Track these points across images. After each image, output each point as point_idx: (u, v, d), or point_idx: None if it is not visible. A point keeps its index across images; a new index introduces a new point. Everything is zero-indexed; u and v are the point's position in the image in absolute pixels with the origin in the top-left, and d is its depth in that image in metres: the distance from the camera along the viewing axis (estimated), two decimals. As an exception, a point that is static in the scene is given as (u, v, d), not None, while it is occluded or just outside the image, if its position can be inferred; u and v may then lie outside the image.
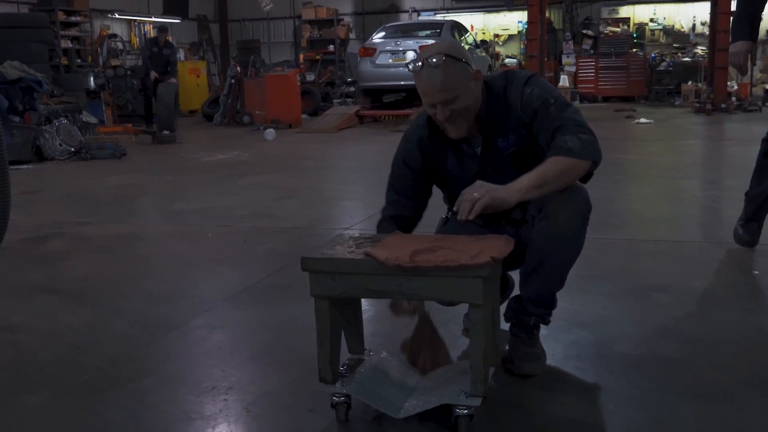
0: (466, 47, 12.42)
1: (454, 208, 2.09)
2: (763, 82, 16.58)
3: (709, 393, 2.20)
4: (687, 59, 17.55)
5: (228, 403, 2.22)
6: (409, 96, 12.93)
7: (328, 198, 6.16)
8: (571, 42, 18.32)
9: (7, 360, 2.66)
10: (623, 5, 19.20)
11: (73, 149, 9.12)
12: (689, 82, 16.17)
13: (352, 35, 21.49)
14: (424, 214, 2.48)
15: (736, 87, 14.79)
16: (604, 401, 2.16)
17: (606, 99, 17.40)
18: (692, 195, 5.75)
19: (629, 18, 19.22)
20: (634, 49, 18.35)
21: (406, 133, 2.44)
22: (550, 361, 2.41)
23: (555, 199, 2.13)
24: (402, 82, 12.72)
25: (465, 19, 19.25)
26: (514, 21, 20.28)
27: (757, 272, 3.41)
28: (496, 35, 20.54)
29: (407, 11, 21.13)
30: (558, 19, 19.40)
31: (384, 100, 13.94)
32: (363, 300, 2.35)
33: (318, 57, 19.77)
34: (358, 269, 1.95)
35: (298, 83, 13.78)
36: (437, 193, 2.50)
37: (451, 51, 2.20)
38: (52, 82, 11.20)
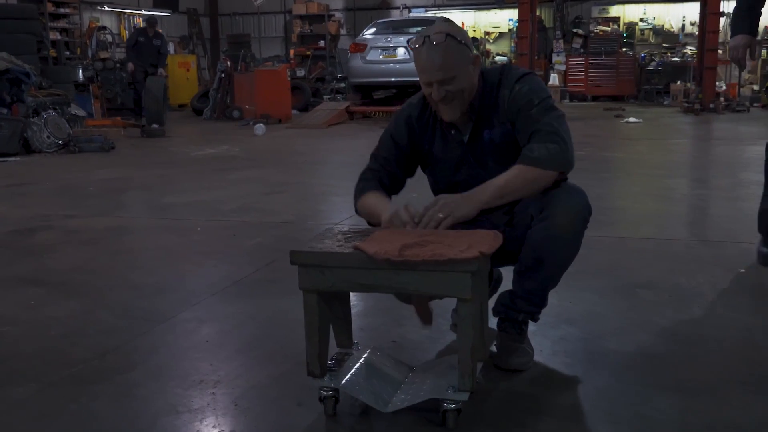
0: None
1: (416, 219, 2.11)
2: (751, 83, 16.69)
3: (693, 388, 2.22)
4: (676, 59, 17.65)
5: (216, 397, 2.22)
6: (399, 92, 12.93)
7: (318, 193, 6.16)
8: (561, 41, 18.38)
9: (-6, 352, 2.65)
10: (613, 5, 19.28)
11: (61, 142, 9.07)
12: (678, 82, 16.27)
13: (343, 31, 21.46)
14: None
15: (724, 87, 14.90)
16: (591, 396, 2.17)
17: (595, 98, 17.47)
18: (680, 193, 5.79)
19: (619, 17, 19.30)
20: (624, 49, 18.44)
21: (398, 110, 2.47)
22: (537, 357, 2.42)
23: (558, 201, 2.15)
24: (392, 79, 12.74)
25: (456, 16, 19.29)
26: (504, 19, 20.32)
27: (742, 270, 3.44)
28: (487, 33, 20.57)
29: (398, 8, 21.12)
30: (548, 18, 19.45)
31: (374, 97, 13.95)
32: (352, 294, 2.35)
33: (308, 52, 19.74)
34: (347, 263, 1.95)
35: (289, 78, 13.76)
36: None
37: (453, 32, 2.21)
38: (41, 74, 11.12)
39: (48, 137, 9.01)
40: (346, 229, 2.24)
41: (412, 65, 11.02)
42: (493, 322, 2.44)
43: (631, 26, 19.39)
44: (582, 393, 2.20)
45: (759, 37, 16.74)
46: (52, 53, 14.70)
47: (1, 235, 4.36)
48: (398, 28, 13.88)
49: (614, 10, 19.33)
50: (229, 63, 13.84)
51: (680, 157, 8.44)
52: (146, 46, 12.94)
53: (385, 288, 1.99)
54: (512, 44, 19.40)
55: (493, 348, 2.39)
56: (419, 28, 13.43)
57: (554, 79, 17.03)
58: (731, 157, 8.10)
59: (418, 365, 2.29)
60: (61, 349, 2.65)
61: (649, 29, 19.44)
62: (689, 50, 17.69)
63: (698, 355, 2.49)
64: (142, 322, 2.90)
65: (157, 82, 11.82)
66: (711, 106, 13.49)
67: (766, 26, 16.60)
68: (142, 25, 13.57)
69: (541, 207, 2.18)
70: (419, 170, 2.49)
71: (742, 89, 16.00)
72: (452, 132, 2.34)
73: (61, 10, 16.72)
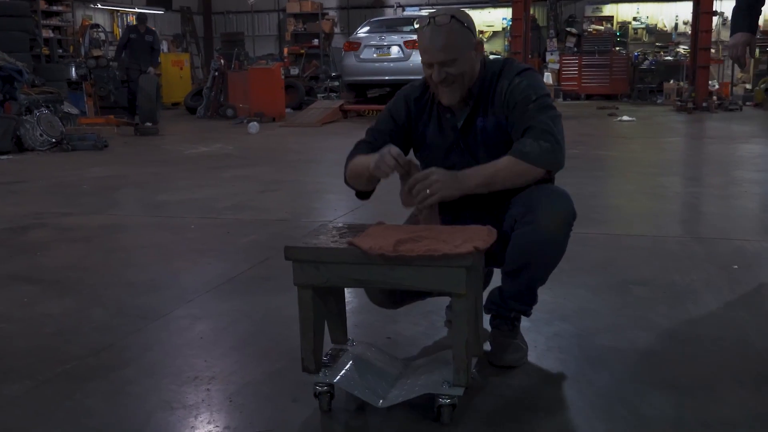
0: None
1: (406, 189, 2.12)
2: (744, 82, 16.75)
3: (687, 385, 2.23)
4: (669, 58, 17.70)
5: (210, 393, 2.22)
6: (393, 91, 12.92)
7: (312, 191, 6.16)
8: (555, 39, 18.42)
9: (-13, 349, 2.64)
10: (607, 3, 19.33)
11: (54, 140, 9.04)
12: (671, 81, 16.33)
13: (336, 29, 21.46)
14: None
15: (717, 86, 14.96)
16: (585, 392, 2.18)
17: (589, 97, 17.52)
18: (673, 191, 5.80)
19: (613, 16, 19.35)
20: (617, 48, 18.48)
21: (400, 90, 2.49)
22: (532, 353, 2.43)
23: (541, 206, 2.14)
24: (386, 77, 12.74)
25: (450, 14, 19.24)
26: (498, 18, 20.34)
27: (736, 266, 3.45)
28: (481, 32, 20.57)
29: (392, 6, 21.11)
30: (542, 17, 19.48)
31: (368, 95, 13.95)
32: (346, 290, 2.35)
33: (302, 51, 19.73)
34: (341, 258, 1.95)
35: (282, 77, 13.74)
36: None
37: (458, 15, 2.23)
38: (33, 71, 11.09)
39: (41, 135, 8.97)
40: (340, 225, 2.24)
41: (405, 64, 11.13)
42: (485, 319, 2.44)
43: (624, 25, 19.43)
44: (576, 389, 2.20)
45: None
46: (45, 51, 14.66)
47: (-6, 232, 4.35)
48: (392, 26, 13.88)
49: (607, 9, 19.37)
50: (222, 61, 13.82)
51: (673, 155, 8.46)
52: (138, 43, 12.88)
53: (379, 283, 1.99)
54: (506, 43, 19.42)
55: (487, 346, 2.39)
56: (413, 27, 13.45)
57: (548, 78, 17.04)
58: (724, 156, 8.13)
59: (412, 361, 2.29)
60: (55, 346, 2.64)
61: (643, 28, 19.50)
62: (682, 49, 17.74)
63: (693, 351, 2.49)
64: (136, 320, 2.90)
65: (150, 81, 11.79)
66: (704, 104, 13.54)
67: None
68: (134, 22, 13.48)
69: (525, 210, 2.16)
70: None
71: (734, 88, 16.07)
72: (448, 116, 2.35)
73: (54, 8, 16.66)
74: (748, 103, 14.73)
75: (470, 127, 2.32)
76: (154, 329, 2.81)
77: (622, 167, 7.51)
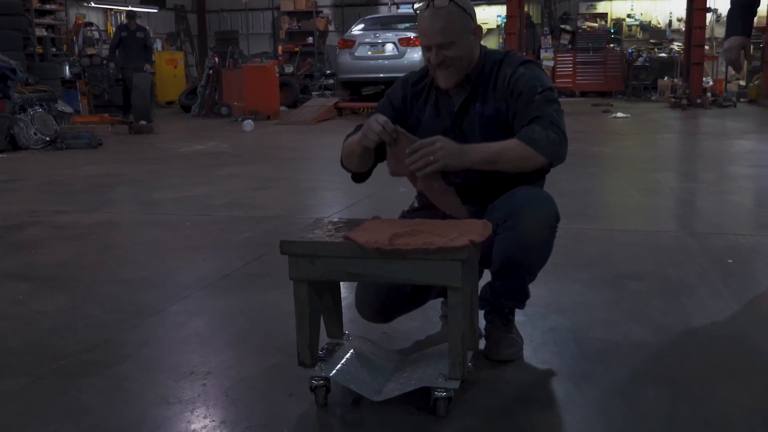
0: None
1: (407, 160, 2.10)
2: (738, 79, 16.79)
3: (682, 377, 2.24)
4: (663, 55, 17.73)
5: (207, 388, 2.21)
6: (388, 88, 12.91)
7: (306, 188, 6.16)
8: (549, 37, 18.44)
9: (-18, 346, 2.63)
10: (601, 1, 19.34)
11: (48, 138, 9.01)
12: (665, 78, 16.35)
13: (331, 27, 21.44)
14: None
15: (711, 83, 14.98)
16: (581, 385, 2.18)
17: (583, 94, 17.54)
18: (668, 187, 5.82)
19: (607, 13, 19.39)
20: (612, 45, 18.51)
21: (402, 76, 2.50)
22: (527, 347, 2.43)
23: (522, 211, 2.14)
24: (381, 74, 12.73)
25: (444, 12, 19.23)
26: (492, 15, 20.33)
27: (730, 261, 3.46)
28: (475, 29, 20.57)
29: (386, 4, 21.11)
30: (536, 14, 19.50)
31: (363, 93, 13.94)
32: (342, 286, 2.35)
33: (297, 49, 19.68)
34: (337, 252, 1.95)
35: (277, 75, 13.72)
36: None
37: (459, 0, 2.23)
38: (27, 70, 11.05)
39: (35, 134, 8.95)
40: (336, 219, 2.24)
41: (400, 61, 11.13)
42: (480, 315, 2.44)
43: (618, 22, 19.48)
44: (572, 382, 2.21)
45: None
46: (38, 50, 14.61)
47: (-11, 230, 4.34)
48: (386, 24, 13.88)
49: (601, 6, 19.41)
50: (217, 59, 13.79)
51: (668, 151, 8.48)
52: (130, 41, 12.81)
53: (375, 277, 1.99)
54: (500, 40, 19.41)
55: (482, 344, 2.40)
56: (407, 24, 13.46)
57: (543, 76, 17.04)
58: (718, 152, 8.15)
59: (408, 355, 2.29)
60: (50, 343, 2.64)
61: (637, 25, 19.54)
62: (676, 46, 17.78)
63: (687, 345, 2.50)
64: (132, 316, 2.89)
65: (144, 79, 11.77)
66: (698, 101, 13.58)
67: (752, 22, 16.67)
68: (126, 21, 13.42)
69: (506, 215, 2.15)
70: None
71: (728, 85, 16.10)
72: (445, 100, 2.35)
73: (47, 6, 16.61)
74: (742, 100, 14.77)
75: (466, 111, 2.32)
76: (149, 326, 2.81)
77: (617, 163, 7.53)
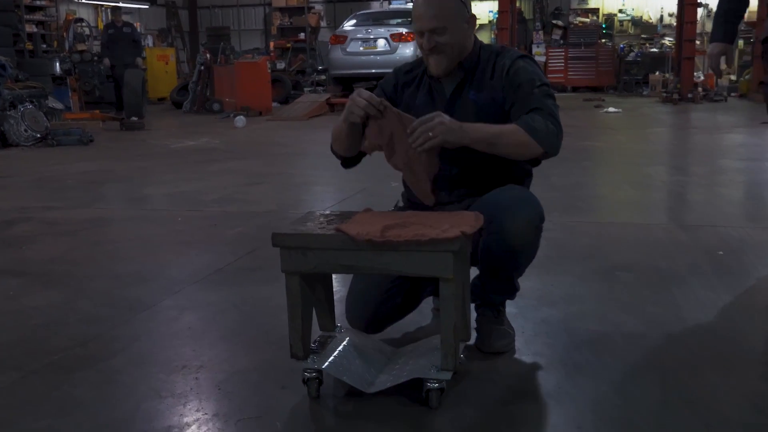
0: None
1: (408, 131, 2.09)
2: (729, 73, 16.85)
3: (673, 367, 2.26)
4: (654, 50, 17.77)
5: (199, 382, 2.21)
6: (380, 84, 12.90)
7: (299, 183, 6.15)
8: (541, 32, 18.44)
9: (-27, 341, 2.62)
10: (592, -4, 19.38)
11: (38, 135, 8.97)
12: (657, 73, 16.39)
13: (323, 23, 21.39)
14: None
15: (702, 78, 15.02)
16: (573, 375, 2.19)
17: (575, 89, 17.57)
18: (659, 180, 5.84)
19: (598, 9, 19.42)
20: (603, 40, 18.54)
21: None
22: (519, 338, 2.44)
23: (507, 214, 2.12)
24: (373, 70, 12.71)
25: (436, 7, 19.21)
26: (484, 10, 20.34)
27: (721, 252, 3.48)
28: (467, 24, 20.57)
29: (378, -1, 21.09)
30: (528, 9, 19.51)
31: (355, 88, 13.91)
32: (335, 279, 2.35)
33: (289, 45, 19.65)
34: (329, 244, 1.95)
35: (269, 71, 13.69)
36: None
37: None
38: (17, 66, 10.99)
39: (25, 130, 8.91)
40: (328, 212, 2.24)
41: (392, 57, 11.15)
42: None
43: (610, 17, 19.51)
44: (564, 373, 2.21)
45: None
46: (29, 46, 14.54)
47: (-21, 227, 4.32)
48: (378, 19, 13.86)
49: (593, 2, 19.45)
50: (208, 56, 13.75)
51: (659, 145, 8.50)
52: (118, 37, 12.72)
53: (367, 269, 1.99)
54: (492, 36, 19.42)
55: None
56: (400, 20, 13.45)
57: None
58: (709, 145, 8.18)
59: (400, 347, 2.30)
60: (42, 338, 2.63)
61: (628, 20, 19.57)
62: (667, 41, 17.82)
63: (678, 335, 2.51)
64: (124, 311, 2.89)
65: (135, 75, 11.72)
66: (689, 96, 13.62)
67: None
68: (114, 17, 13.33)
69: (490, 218, 2.11)
70: None
71: (719, 79, 16.13)
72: (437, 86, 2.36)
73: (38, 2, 16.51)
74: (732, 94, 14.82)
75: (458, 99, 2.32)
76: (141, 320, 2.81)
77: (609, 157, 7.55)
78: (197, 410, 2.03)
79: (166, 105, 15.68)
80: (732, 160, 6.77)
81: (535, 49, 18.09)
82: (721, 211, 4.61)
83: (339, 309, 2.43)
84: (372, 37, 12.89)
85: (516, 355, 2.35)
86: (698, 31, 14.86)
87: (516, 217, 2.13)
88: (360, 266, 1.98)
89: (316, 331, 2.18)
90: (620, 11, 19.59)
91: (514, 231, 2.12)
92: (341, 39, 13.17)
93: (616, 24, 19.52)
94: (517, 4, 16.97)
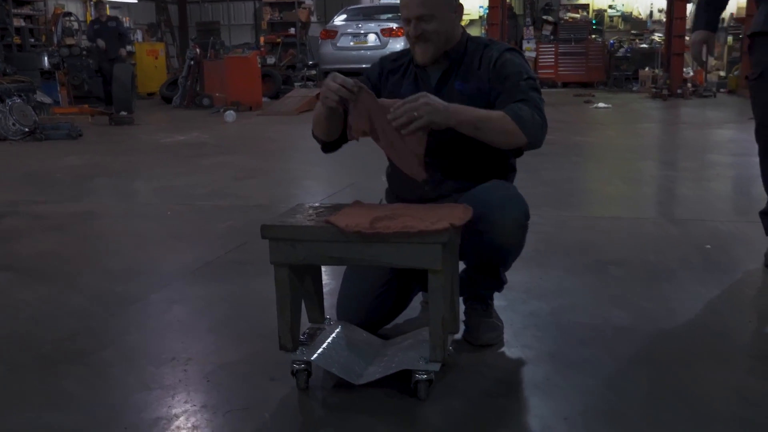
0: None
1: (390, 116, 2.06)
2: (718, 69, 16.91)
3: (662, 359, 2.27)
4: (644, 46, 17.80)
5: (188, 374, 2.21)
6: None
7: (289, 177, 6.14)
8: (531, 28, 18.45)
9: (-39, 335, 2.61)
10: (582, -9, 19.39)
11: (27, 129, 8.91)
12: (646, 68, 16.42)
13: (313, 18, 21.29)
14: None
15: (691, 74, 15.06)
16: (562, 367, 2.20)
17: (565, 84, 17.57)
18: (649, 175, 5.86)
19: (588, 4, 19.42)
20: (593, 36, 18.55)
21: None
22: (508, 331, 2.44)
23: (493, 214, 2.11)
24: (363, 65, 12.66)
25: (426, 3, 19.19)
26: (475, 6, 20.31)
27: (709, 246, 3.50)
28: (458, 20, 20.55)
29: (369, -6, 21.03)
30: (518, 5, 19.50)
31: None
32: (324, 272, 2.35)
33: (279, 40, 19.55)
34: (318, 236, 1.95)
35: (259, 66, 13.65)
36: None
37: None
38: (5, 60, 10.92)
39: (13, 125, 8.85)
40: (317, 204, 2.24)
41: (382, 52, 11.15)
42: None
43: (600, 13, 19.53)
44: (552, 365, 2.22)
45: (725, 24, 16.72)
46: (17, 40, 14.42)
47: (-33, 221, 4.29)
48: (369, 14, 13.85)
49: (584, -3, 19.45)
50: (198, 50, 13.68)
51: (649, 140, 8.53)
52: (103, 33, 12.64)
53: (356, 261, 1.99)
54: (483, 31, 19.41)
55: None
56: (390, 15, 13.44)
57: (527, 67, 17.07)
58: (698, 141, 8.21)
59: (389, 339, 2.30)
60: (30, 331, 2.62)
61: (618, 16, 19.61)
62: (657, 37, 17.86)
63: (667, 328, 2.52)
64: (113, 304, 2.88)
65: (125, 70, 11.66)
66: (678, 91, 13.66)
67: (732, 13, 16.81)
68: (108, 11, 13.23)
69: (476, 216, 2.09)
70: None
71: (708, 75, 16.19)
72: (423, 75, 2.35)
73: (26, -3, 16.41)
74: (722, 90, 14.87)
75: (443, 88, 2.31)
76: (130, 313, 2.80)
77: (599, 152, 7.57)
78: (185, 402, 2.03)
79: (156, 100, 15.60)
80: (721, 155, 6.80)
81: (525, 45, 18.08)
82: (710, 205, 4.63)
83: (328, 301, 2.43)
84: (362, 32, 12.89)
85: (505, 348, 2.35)
86: (687, 27, 14.86)
87: (503, 217, 2.13)
88: (349, 258, 1.98)
89: (305, 323, 2.18)
90: (610, 7, 19.62)
91: (501, 230, 2.13)
92: (332, 34, 13.16)
93: (606, 20, 19.55)
94: (508, 0, 16.96)
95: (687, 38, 14.55)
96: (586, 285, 2.99)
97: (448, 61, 2.32)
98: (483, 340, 2.35)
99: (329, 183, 5.53)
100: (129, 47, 13.23)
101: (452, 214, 1.96)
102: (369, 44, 12.77)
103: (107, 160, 7.20)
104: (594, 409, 1.95)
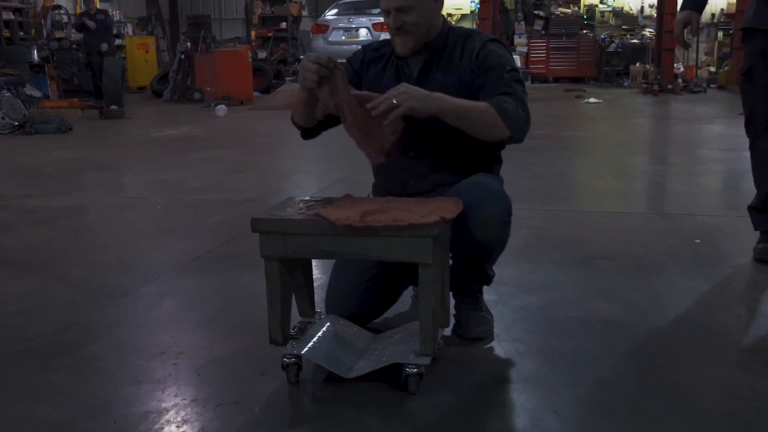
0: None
1: (369, 105, 2.06)
2: (708, 65, 16.97)
3: (651, 353, 2.28)
4: (635, 41, 17.86)
5: (178, 368, 2.21)
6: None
7: (280, 172, 6.13)
8: (522, 22, 18.46)
9: (-51, 328, 2.59)
10: (574, -14, 19.40)
11: (16, 123, 8.87)
12: (637, 64, 16.46)
13: (304, 12, 21.26)
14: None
15: (682, 69, 15.11)
16: (552, 361, 2.20)
17: (557, 79, 17.61)
18: (639, 170, 5.88)
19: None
20: (585, 31, 18.59)
21: None
22: (498, 325, 2.45)
23: (475, 212, 2.10)
24: (355, 60, 12.68)
25: (418, -3, 19.17)
26: (466, 0, 20.31)
27: (698, 241, 3.51)
28: (449, 14, 20.54)
29: (360, -11, 20.96)
30: (510, 0, 19.49)
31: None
32: (315, 266, 2.35)
33: (270, 34, 19.47)
34: (308, 230, 1.95)
35: (250, 60, 13.60)
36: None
37: None
38: (-6, 54, 10.86)
39: (3, 118, 8.80)
40: (307, 198, 2.23)
41: (374, 45, 10.77)
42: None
43: (591, 8, 19.55)
44: (542, 358, 2.23)
45: (715, 20, 16.72)
46: (6, 33, 14.33)
47: (-45, 215, 4.27)
48: (360, 9, 13.83)
49: (575, -8, 19.45)
50: (189, 44, 13.63)
51: (639, 136, 8.56)
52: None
53: (346, 254, 1.99)
54: (474, 26, 19.40)
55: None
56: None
57: (516, 61, 17.09)
58: (688, 136, 8.25)
59: (380, 332, 2.30)
60: (18, 324, 2.61)
61: (609, 11, 19.64)
62: (648, 32, 17.91)
63: (655, 321, 2.54)
64: (103, 298, 2.87)
65: (115, 63, 11.60)
66: (669, 87, 13.71)
67: (722, 8, 16.88)
68: (98, 4, 13.13)
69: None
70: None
71: (699, 71, 16.26)
72: (404, 66, 2.35)
73: (15, -10, 16.28)
74: (712, 86, 14.93)
75: (424, 79, 2.30)
76: (120, 307, 2.79)
77: (589, 147, 7.58)
78: (176, 395, 2.02)
79: (146, 94, 15.53)
80: (711, 150, 6.83)
81: (516, 40, 18.10)
82: (700, 200, 4.65)
83: (319, 295, 2.43)
84: (354, 26, 12.88)
85: (495, 342, 2.36)
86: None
87: (486, 213, 2.11)
88: (339, 251, 1.98)
89: (295, 317, 2.18)
90: (601, 2, 19.64)
91: (483, 227, 2.12)
92: (323, 28, 13.14)
93: (598, 15, 19.58)
94: (499, -5, 16.97)
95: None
96: (576, 279, 3.00)
97: (429, 52, 2.31)
98: (473, 333, 2.36)
99: (320, 177, 5.52)
100: (118, 41, 13.10)
101: (443, 208, 1.96)
102: (360, 39, 12.75)
103: (97, 154, 7.16)
104: (584, 402, 1.96)
